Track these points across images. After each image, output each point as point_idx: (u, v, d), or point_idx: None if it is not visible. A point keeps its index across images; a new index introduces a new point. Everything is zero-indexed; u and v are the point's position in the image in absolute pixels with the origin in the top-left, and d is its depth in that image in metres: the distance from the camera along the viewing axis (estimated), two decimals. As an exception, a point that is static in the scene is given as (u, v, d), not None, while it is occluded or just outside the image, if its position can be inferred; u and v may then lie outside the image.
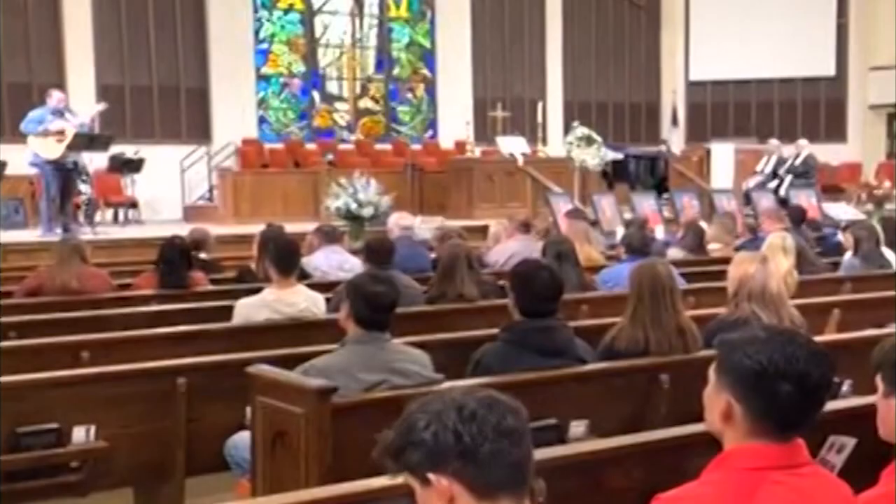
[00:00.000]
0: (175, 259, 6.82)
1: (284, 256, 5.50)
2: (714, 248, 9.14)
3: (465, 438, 1.71)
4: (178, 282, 6.75)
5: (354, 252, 7.97)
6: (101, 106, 12.85)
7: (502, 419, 1.73)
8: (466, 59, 19.71)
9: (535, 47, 20.81)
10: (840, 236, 8.98)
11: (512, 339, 4.16)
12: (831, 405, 2.78)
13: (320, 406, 3.52)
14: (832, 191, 18.03)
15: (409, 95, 19.80)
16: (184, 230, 8.39)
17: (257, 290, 5.65)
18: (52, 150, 11.61)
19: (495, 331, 4.37)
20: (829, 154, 19.42)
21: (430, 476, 1.73)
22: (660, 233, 11.53)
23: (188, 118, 17.35)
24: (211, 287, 7.01)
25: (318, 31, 18.88)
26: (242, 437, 4.18)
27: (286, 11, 18.49)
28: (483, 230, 10.49)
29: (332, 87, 19.11)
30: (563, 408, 3.95)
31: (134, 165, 15.15)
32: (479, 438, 1.71)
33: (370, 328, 3.89)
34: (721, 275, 5.57)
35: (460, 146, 17.88)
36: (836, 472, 2.77)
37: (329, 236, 7.92)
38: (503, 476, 1.73)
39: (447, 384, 3.78)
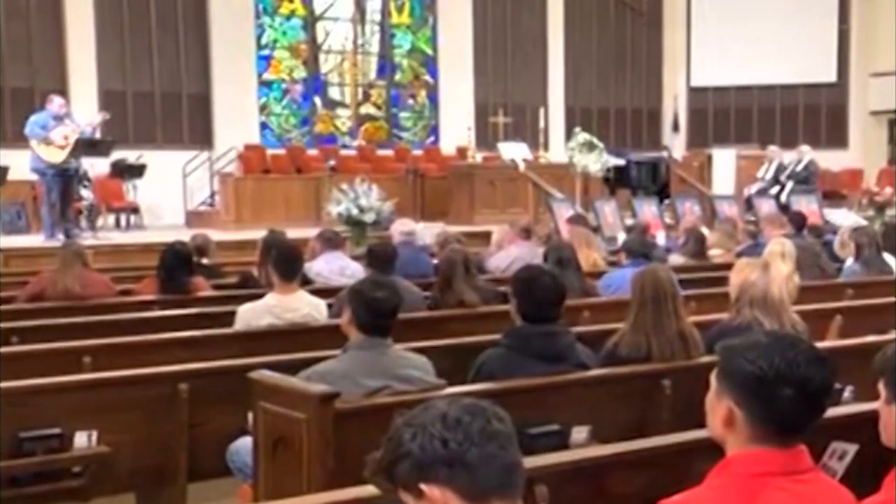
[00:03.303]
0: (175, 265, 6.82)
1: (286, 262, 5.50)
2: (715, 253, 9.14)
3: (452, 445, 1.71)
4: (178, 288, 6.75)
5: (356, 258, 7.98)
6: (103, 115, 12.86)
7: (487, 424, 1.74)
8: (468, 65, 19.71)
9: (537, 53, 20.82)
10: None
11: (514, 345, 4.16)
12: (833, 411, 2.78)
13: (322, 411, 3.52)
14: (833, 197, 18.03)
15: (411, 101, 19.81)
16: (186, 235, 8.40)
17: (259, 296, 5.65)
18: (55, 154, 11.63)
19: (497, 336, 4.37)
20: (830, 160, 19.42)
21: (423, 487, 1.73)
22: (661, 238, 11.52)
23: (190, 124, 17.36)
24: (213, 292, 7.01)
25: (319, 37, 18.89)
26: (244, 443, 4.18)
27: (288, 17, 18.51)
28: (485, 236, 10.49)
29: (333, 92, 19.12)
30: (565, 413, 3.95)
31: (136, 171, 15.16)
32: (466, 444, 1.71)
33: (372, 334, 3.89)
34: (722, 281, 5.57)
35: (462, 152, 17.89)
36: (837, 479, 2.77)
37: (331, 242, 7.92)
38: (494, 479, 1.73)
39: (447, 390, 3.78)
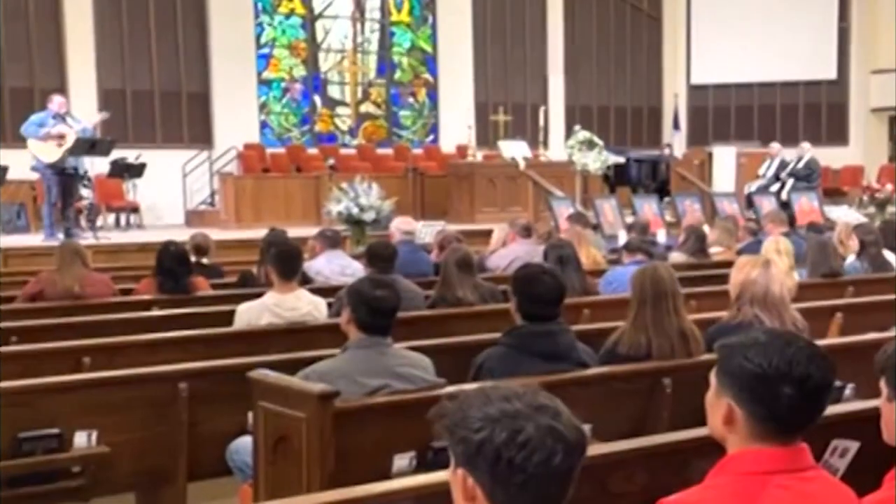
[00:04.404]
0: (171, 266, 6.80)
1: (286, 261, 5.50)
2: (716, 251, 9.13)
3: (504, 462, 1.64)
4: (176, 287, 6.73)
5: (356, 256, 7.97)
6: (103, 115, 12.86)
7: (552, 456, 1.65)
8: (468, 63, 19.72)
9: (537, 51, 20.82)
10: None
11: (514, 344, 4.15)
12: (834, 409, 2.78)
13: (322, 410, 3.51)
14: (834, 194, 18.03)
15: (411, 100, 19.81)
16: (185, 235, 8.40)
17: (259, 295, 5.65)
18: (51, 153, 11.62)
19: (497, 335, 4.36)
20: (830, 157, 19.42)
21: (460, 470, 1.71)
22: (662, 236, 11.51)
23: (190, 123, 17.36)
24: (212, 292, 7.00)
25: (319, 36, 18.89)
26: (244, 442, 4.18)
27: (287, 16, 18.50)
28: (486, 234, 10.48)
29: (333, 91, 19.12)
30: (565, 412, 3.93)
31: (136, 170, 15.15)
32: (517, 469, 1.64)
33: (372, 333, 3.88)
34: (723, 278, 5.56)
35: (462, 150, 17.89)
36: (839, 476, 2.76)
37: (331, 241, 7.91)
38: None
39: (450, 388, 3.77)
